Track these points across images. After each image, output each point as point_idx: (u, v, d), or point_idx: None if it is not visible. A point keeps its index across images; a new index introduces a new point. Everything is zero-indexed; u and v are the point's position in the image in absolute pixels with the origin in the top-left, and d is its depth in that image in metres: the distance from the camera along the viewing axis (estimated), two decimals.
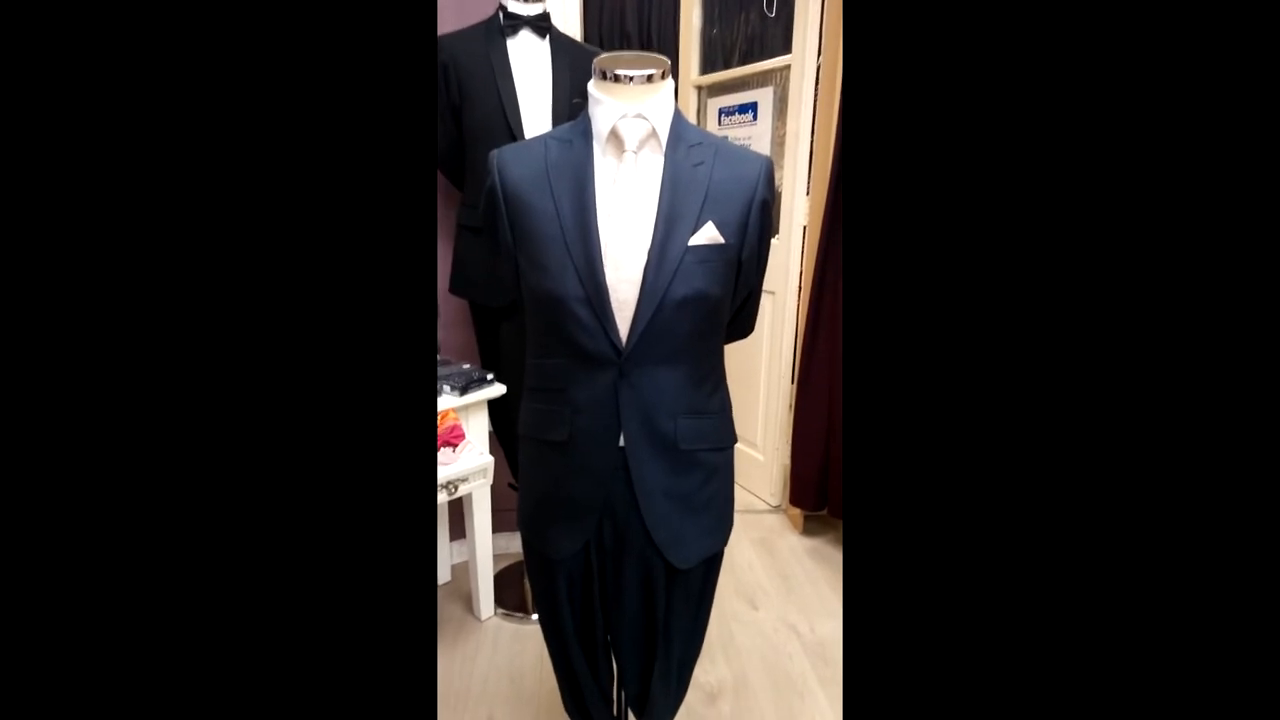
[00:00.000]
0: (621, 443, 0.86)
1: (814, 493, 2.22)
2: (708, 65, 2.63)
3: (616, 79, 0.84)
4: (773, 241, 2.19)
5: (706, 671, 1.67)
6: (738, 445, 1.00)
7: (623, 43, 3.63)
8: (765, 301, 2.35)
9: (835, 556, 2.19)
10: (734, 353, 1.50)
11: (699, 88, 2.65)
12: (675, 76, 1.65)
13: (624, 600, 0.96)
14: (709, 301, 0.83)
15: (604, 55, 0.86)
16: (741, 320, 1.00)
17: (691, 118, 2.57)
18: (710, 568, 0.98)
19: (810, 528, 2.34)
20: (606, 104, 0.83)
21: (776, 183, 2.07)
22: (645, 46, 3.63)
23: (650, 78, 0.84)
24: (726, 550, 1.02)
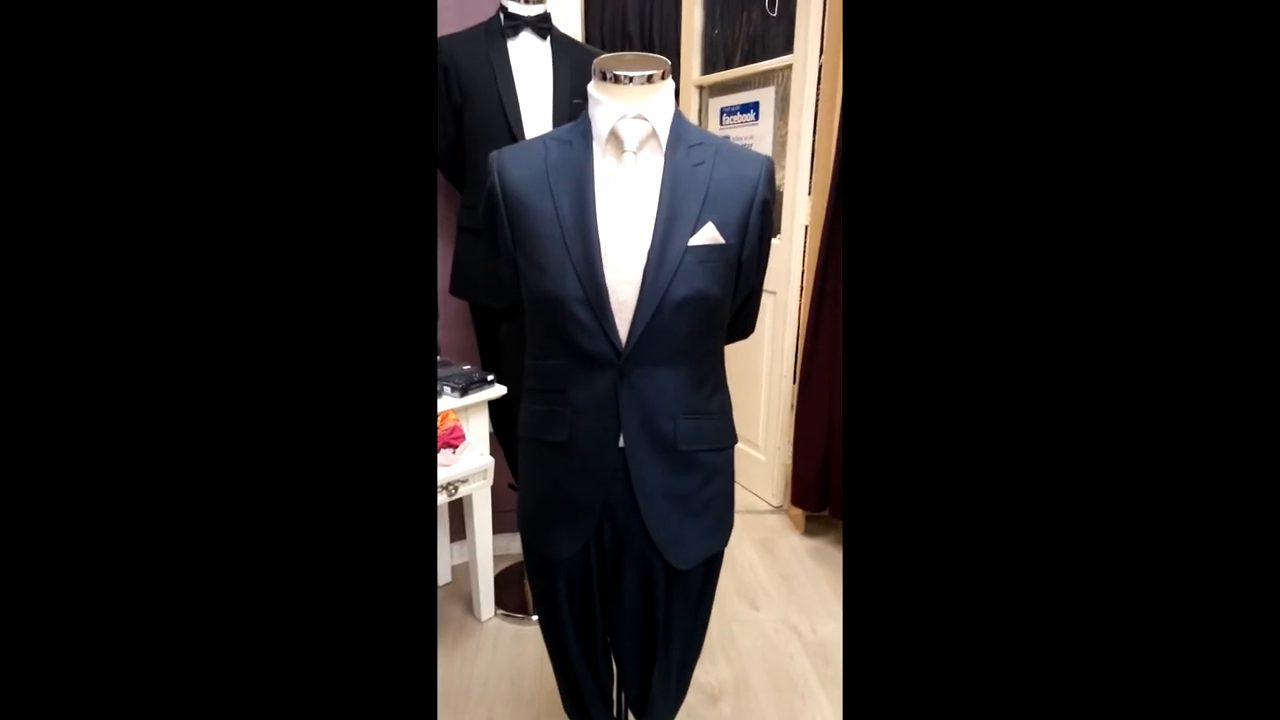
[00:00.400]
0: (621, 444, 0.86)
1: (815, 493, 2.22)
2: (709, 65, 2.63)
3: (616, 80, 0.84)
4: (774, 242, 2.20)
5: (707, 672, 1.67)
6: (739, 445, 0.99)
7: (624, 43, 3.63)
8: (766, 302, 2.35)
9: (836, 557, 2.19)
10: (735, 353, 1.50)
11: (700, 88, 2.65)
12: (677, 76, 1.65)
13: (624, 601, 0.96)
14: (709, 302, 0.83)
15: (604, 56, 0.86)
16: (742, 321, 1.00)
17: (693, 118, 2.56)
18: (710, 568, 0.98)
19: (811, 528, 2.34)
20: (606, 105, 0.83)
21: (778, 183, 2.06)
22: (647, 47, 3.63)
23: (650, 78, 0.84)
24: (727, 550, 1.02)
